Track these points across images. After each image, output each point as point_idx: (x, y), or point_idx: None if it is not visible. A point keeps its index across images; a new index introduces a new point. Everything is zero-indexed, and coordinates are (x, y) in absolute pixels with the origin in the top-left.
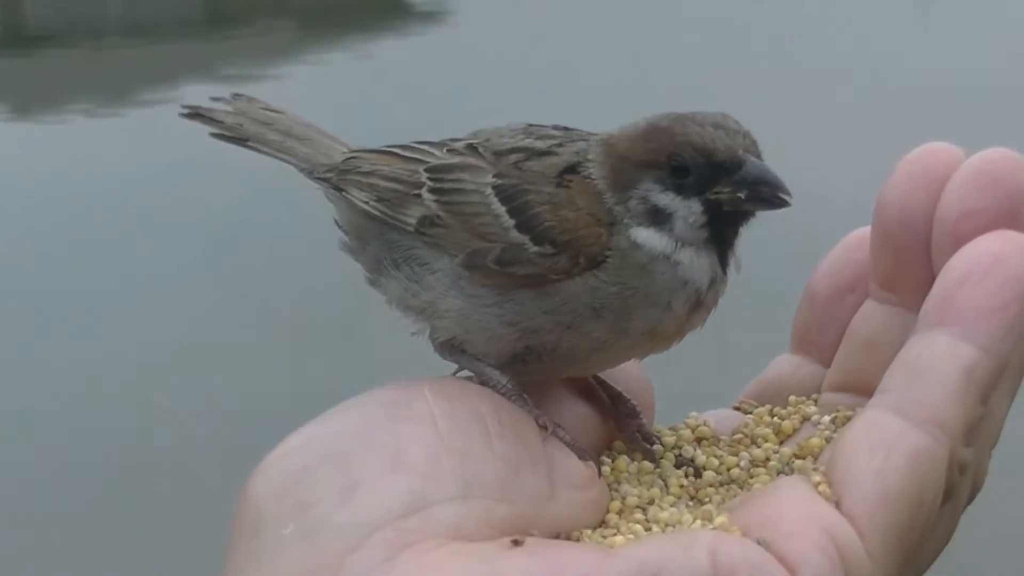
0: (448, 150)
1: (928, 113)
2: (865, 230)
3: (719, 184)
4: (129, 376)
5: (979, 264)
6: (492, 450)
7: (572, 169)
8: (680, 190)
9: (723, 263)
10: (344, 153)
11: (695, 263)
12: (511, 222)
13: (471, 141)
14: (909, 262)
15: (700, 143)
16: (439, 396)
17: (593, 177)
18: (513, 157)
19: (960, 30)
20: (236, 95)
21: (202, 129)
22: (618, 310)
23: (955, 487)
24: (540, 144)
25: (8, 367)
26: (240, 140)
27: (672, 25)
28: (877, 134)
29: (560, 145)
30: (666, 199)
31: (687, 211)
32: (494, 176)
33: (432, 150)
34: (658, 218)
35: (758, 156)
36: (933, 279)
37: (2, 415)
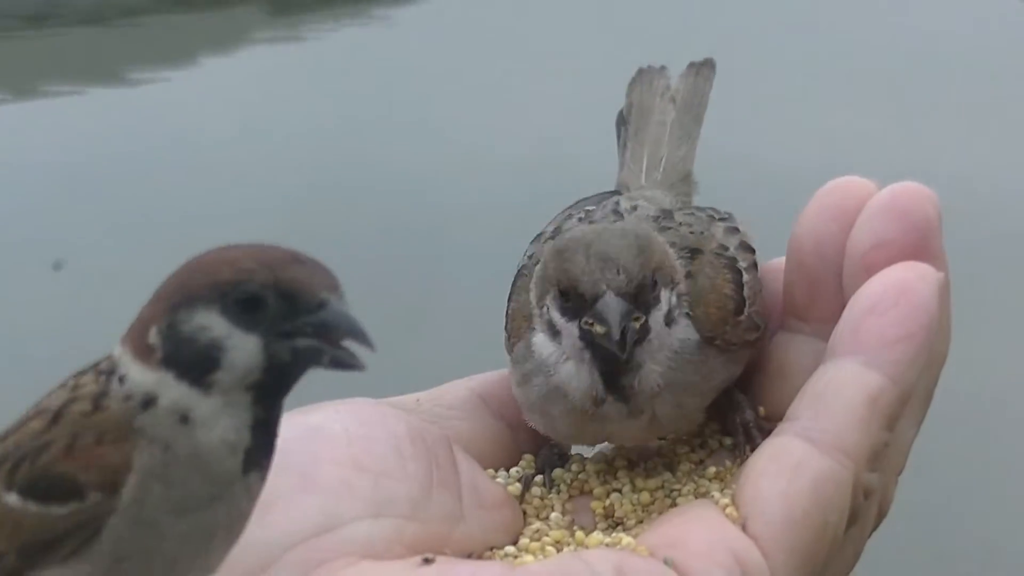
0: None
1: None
2: (779, 260)
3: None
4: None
5: (887, 294)
6: (404, 470)
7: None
8: (565, 312)
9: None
10: None
11: (574, 376)
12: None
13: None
14: (822, 292)
15: (569, 280)
16: (354, 418)
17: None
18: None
19: None
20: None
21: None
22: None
23: (860, 512)
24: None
25: None
26: None
27: (665, 13)
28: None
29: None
30: (556, 316)
31: (570, 332)
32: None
33: None
34: (553, 331)
35: (620, 294)
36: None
37: None
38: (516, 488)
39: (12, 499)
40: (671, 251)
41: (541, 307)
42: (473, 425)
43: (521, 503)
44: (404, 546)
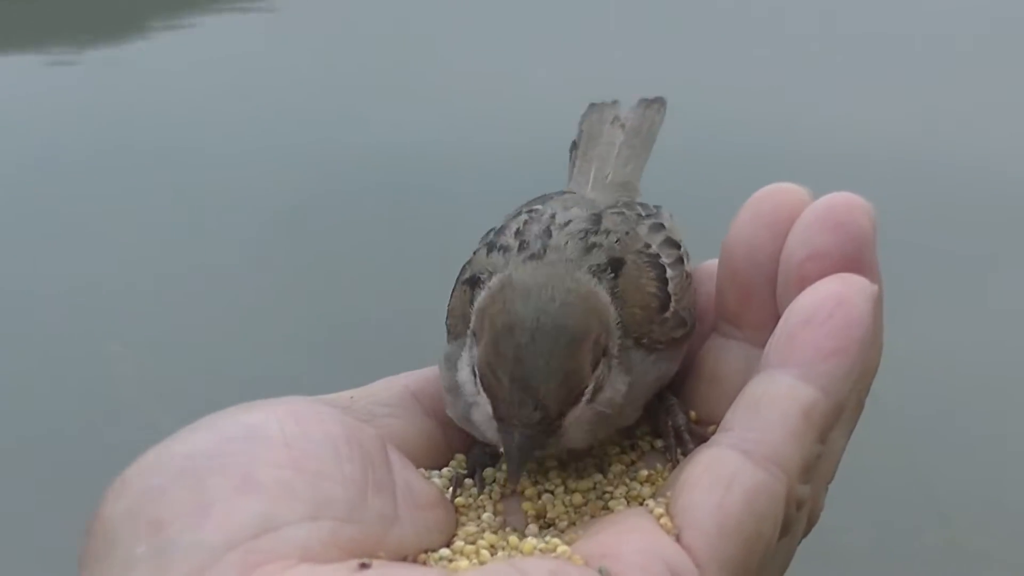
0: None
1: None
2: (712, 263)
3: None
4: (81, 323)
5: (822, 307)
6: (341, 471)
7: (474, 282)
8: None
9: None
10: None
11: (488, 427)
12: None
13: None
14: (754, 299)
15: (489, 394)
16: (291, 418)
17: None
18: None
19: None
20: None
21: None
22: None
23: (792, 522)
24: (505, 240)
25: None
26: None
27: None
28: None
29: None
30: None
31: (484, 406)
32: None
33: None
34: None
35: (530, 429)
36: (778, 316)
37: None
38: (448, 488)
39: None
40: (606, 310)
41: (471, 344)
42: (406, 424)
43: (453, 503)
44: (340, 548)
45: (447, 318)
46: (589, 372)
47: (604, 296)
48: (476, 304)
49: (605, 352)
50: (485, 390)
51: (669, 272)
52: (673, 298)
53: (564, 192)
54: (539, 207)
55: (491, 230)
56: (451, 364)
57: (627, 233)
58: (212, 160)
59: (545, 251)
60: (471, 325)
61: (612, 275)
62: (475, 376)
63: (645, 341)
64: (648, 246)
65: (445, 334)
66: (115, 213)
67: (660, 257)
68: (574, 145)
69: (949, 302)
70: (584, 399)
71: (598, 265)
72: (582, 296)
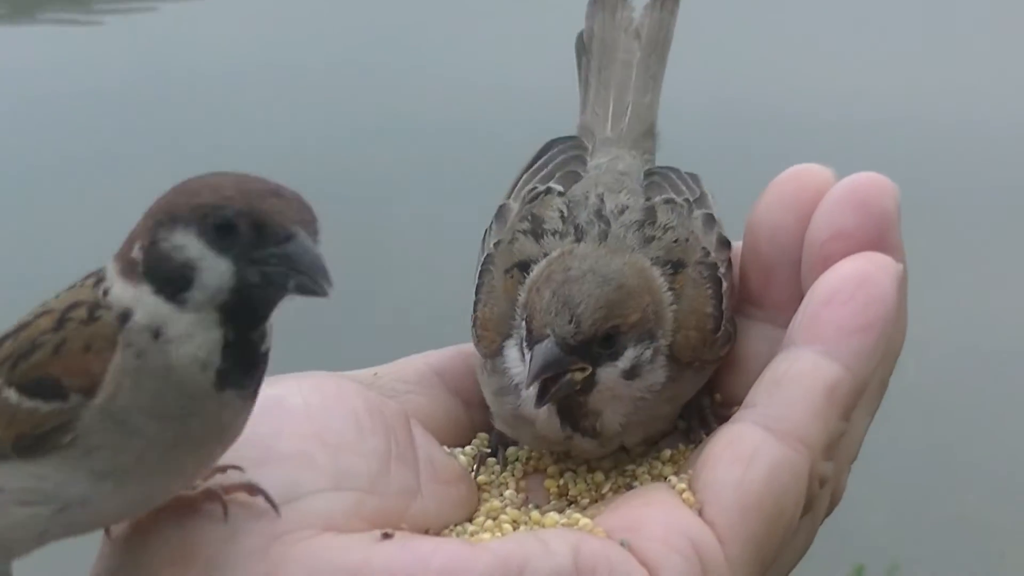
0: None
1: None
2: (736, 246)
3: None
4: None
5: (846, 285)
6: (364, 444)
7: (524, 267)
8: (526, 342)
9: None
10: None
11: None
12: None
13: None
14: (777, 280)
15: (528, 313)
16: (314, 391)
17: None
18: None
19: None
20: None
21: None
22: None
23: (814, 500)
24: (552, 225)
25: None
26: None
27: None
28: None
29: (559, 235)
30: (523, 342)
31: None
32: (495, 244)
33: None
34: (523, 349)
35: (561, 343)
36: (801, 297)
37: None
38: (471, 465)
39: (10, 394)
40: (659, 293)
41: (520, 319)
42: (430, 401)
43: (475, 480)
44: (363, 519)
45: (476, 324)
46: (633, 323)
47: (660, 280)
48: (530, 278)
49: (652, 336)
50: (527, 311)
51: (724, 285)
52: (724, 315)
53: (571, 139)
54: (557, 186)
55: (501, 206)
56: (498, 370)
57: (686, 240)
58: (219, 140)
59: (607, 236)
60: (521, 303)
61: (672, 272)
62: (523, 341)
63: (696, 364)
64: (707, 253)
65: (475, 344)
66: (109, 197)
67: (719, 268)
68: (582, 46)
69: (955, 280)
70: (625, 361)
71: (657, 258)
72: (637, 270)
